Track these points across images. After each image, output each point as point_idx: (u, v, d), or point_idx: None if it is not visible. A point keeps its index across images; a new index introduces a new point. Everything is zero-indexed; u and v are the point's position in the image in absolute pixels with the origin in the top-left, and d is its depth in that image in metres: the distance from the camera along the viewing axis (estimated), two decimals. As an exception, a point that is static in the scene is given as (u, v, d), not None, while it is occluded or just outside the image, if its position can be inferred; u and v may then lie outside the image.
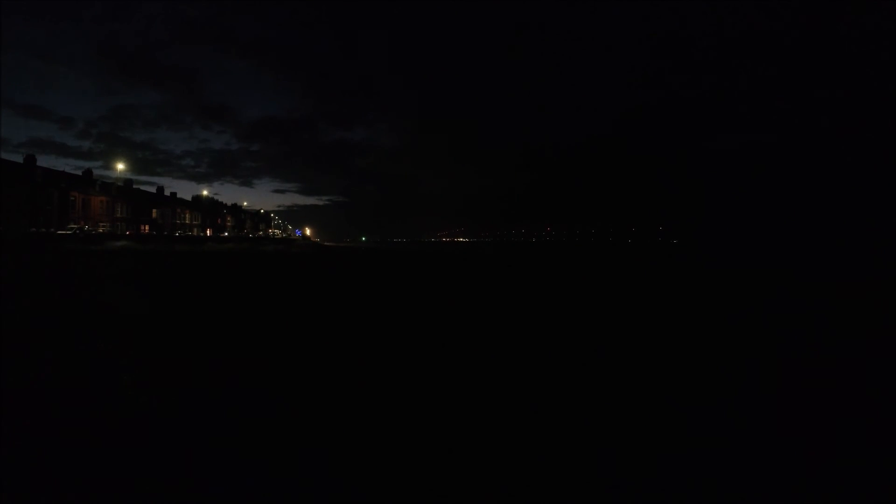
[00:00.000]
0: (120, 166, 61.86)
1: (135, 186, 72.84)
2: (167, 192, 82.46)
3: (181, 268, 20.00)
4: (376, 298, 10.60)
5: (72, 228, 48.43)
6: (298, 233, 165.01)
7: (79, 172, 62.44)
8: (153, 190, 79.68)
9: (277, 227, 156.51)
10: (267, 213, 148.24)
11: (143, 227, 68.54)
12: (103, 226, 58.02)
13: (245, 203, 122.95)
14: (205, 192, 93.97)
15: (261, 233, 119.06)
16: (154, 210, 73.90)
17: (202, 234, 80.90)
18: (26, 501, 2.32)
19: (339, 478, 2.56)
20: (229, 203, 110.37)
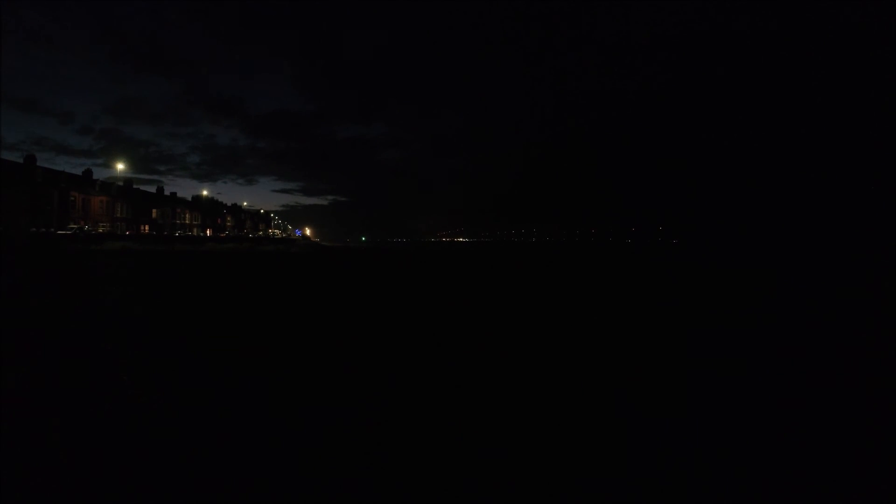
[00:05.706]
0: (120, 166, 61.71)
1: (136, 185, 72.95)
2: (168, 192, 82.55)
3: (181, 268, 20.08)
4: (361, 297, 10.68)
5: (72, 228, 48.44)
6: (298, 233, 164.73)
7: (79, 171, 62.35)
8: (154, 189, 79.81)
9: (277, 227, 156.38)
10: (267, 213, 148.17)
11: (142, 227, 68.53)
12: (103, 226, 58.01)
13: (245, 203, 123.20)
14: (205, 192, 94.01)
15: (260, 233, 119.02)
16: (154, 210, 73.89)
17: (202, 235, 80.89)
18: (26, 501, 2.39)
19: (327, 475, 2.64)
20: (230, 203, 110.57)
